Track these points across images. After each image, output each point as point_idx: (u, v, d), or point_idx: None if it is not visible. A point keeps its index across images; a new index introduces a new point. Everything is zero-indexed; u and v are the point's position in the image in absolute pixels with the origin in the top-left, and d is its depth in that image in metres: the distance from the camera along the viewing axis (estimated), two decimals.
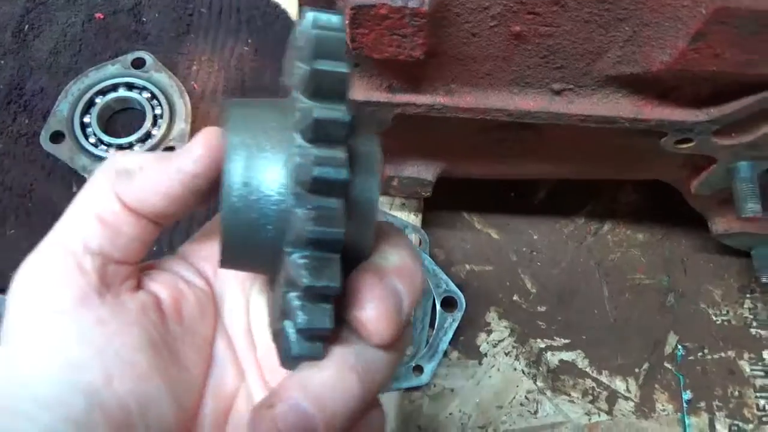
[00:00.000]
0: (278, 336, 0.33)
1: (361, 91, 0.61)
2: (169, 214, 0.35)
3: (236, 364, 0.39)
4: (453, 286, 0.83)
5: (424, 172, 0.76)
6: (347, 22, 0.51)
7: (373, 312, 0.32)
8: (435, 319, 0.83)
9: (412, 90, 0.61)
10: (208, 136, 0.35)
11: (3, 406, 0.31)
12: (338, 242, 0.29)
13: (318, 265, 0.29)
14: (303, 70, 0.29)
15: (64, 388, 0.31)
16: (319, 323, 0.30)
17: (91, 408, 0.31)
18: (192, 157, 0.34)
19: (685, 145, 0.65)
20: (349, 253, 0.31)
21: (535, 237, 0.97)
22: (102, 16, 1.02)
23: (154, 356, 0.34)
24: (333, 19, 0.29)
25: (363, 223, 0.33)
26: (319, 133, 0.29)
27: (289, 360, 0.32)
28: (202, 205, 0.37)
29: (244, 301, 0.40)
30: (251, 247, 0.32)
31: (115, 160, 0.36)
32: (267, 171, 0.31)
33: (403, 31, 0.51)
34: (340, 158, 0.29)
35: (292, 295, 0.30)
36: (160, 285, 0.37)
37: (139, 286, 0.37)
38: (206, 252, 0.41)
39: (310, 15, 0.29)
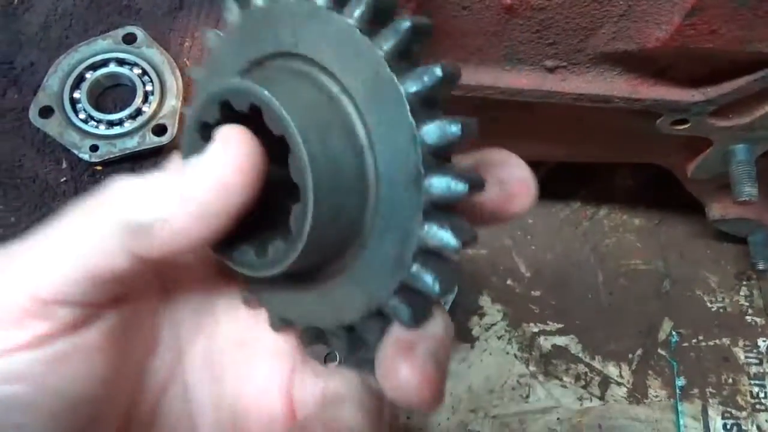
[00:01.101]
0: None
1: None
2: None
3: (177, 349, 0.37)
4: None
5: None
6: None
7: None
8: None
9: None
10: (235, 139, 0.29)
11: None
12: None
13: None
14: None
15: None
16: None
17: None
18: (233, 168, 0.28)
19: (681, 126, 0.63)
20: None
21: (530, 221, 0.96)
22: None
23: (106, 386, 0.32)
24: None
25: None
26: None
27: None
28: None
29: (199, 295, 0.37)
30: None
31: (123, 209, 0.29)
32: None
33: None
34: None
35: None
36: (115, 306, 0.33)
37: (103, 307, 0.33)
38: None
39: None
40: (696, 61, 0.56)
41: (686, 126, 0.63)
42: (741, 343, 0.91)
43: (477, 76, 0.59)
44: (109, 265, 0.30)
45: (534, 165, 1.02)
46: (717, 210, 0.84)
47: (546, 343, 0.90)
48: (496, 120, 0.69)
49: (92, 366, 0.31)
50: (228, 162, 0.28)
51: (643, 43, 0.53)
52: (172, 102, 0.92)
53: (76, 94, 0.92)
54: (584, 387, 0.88)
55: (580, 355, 0.89)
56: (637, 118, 0.65)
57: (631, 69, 0.59)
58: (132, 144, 0.89)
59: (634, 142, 0.74)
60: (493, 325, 0.90)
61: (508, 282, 0.93)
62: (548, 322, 0.91)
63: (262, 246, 0.31)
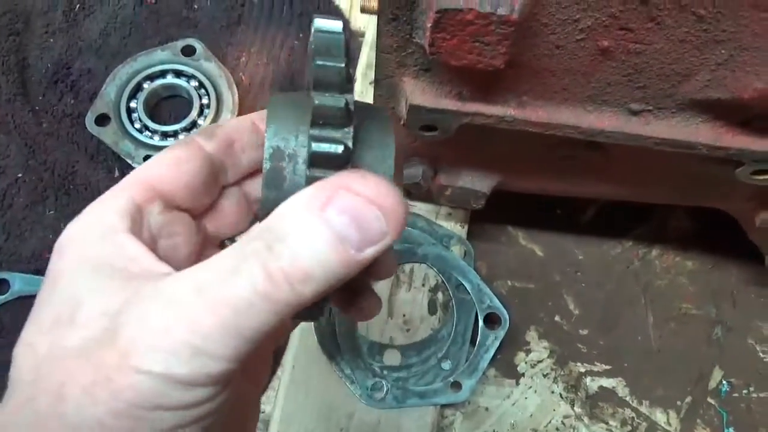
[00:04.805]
0: None
1: (428, 98, 0.58)
2: None
3: None
4: (497, 303, 0.80)
5: (480, 183, 0.73)
6: (429, 25, 0.48)
7: None
8: (476, 334, 0.81)
9: (483, 100, 0.58)
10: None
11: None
12: None
13: None
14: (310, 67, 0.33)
15: None
16: None
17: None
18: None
19: (761, 177, 0.62)
20: None
21: (581, 257, 0.94)
22: (153, 1, 1.00)
23: None
24: (333, 24, 0.34)
25: None
26: (319, 117, 0.32)
27: None
28: None
29: None
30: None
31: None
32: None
33: (487, 38, 0.49)
34: (338, 137, 0.32)
35: None
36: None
37: None
38: None
39: (315, 21, 0.33)
40: None
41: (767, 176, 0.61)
42: None
43: (559, 116, 0.58)
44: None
45: (586, 200, 1.01)
46: None
47: (593, 384, 0.88)
48: (568, 159, 0.68)
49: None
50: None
51: (739, 93, 0.52)
52: (227, 116, 0.92)
53: (133, 104, 0.91)
54: None
55: (627, 398, 0.87)
56: (714, 164, 0.64)
57: (718, 116, 0.57)
58: None
59: (704, 188, 0.72)
60: (539, 362, 0.88)
61: (556, 318, 0.91)
62: (596, 362, 0.89)
63: None
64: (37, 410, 0.29)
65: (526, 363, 0.88)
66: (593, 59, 0.52)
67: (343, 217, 0.29)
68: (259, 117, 0.40)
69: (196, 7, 1.01)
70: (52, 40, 0.97)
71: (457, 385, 0.78)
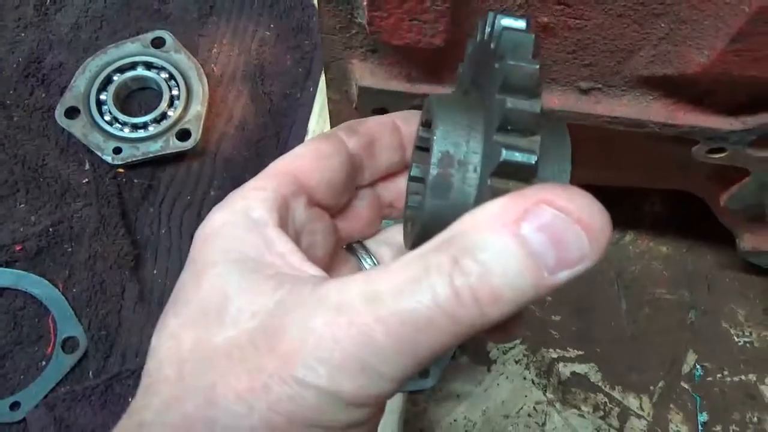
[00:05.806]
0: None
1: (378, 80, 0.58)
2: None
3: None
4: None
5: None
6: (365, 3, 0.48)
7: None
8: None
9: (431, 80, 0.58)
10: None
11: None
12: None
13: None
14: (495, 67, 0.31)
15: None
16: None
17: None
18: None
19: (717, 155, 0.61)
20: None
21: None
22: None
23: None
24: (518, 22, 0.32)
25: None
26: (508, 123, 0.30)
27: None
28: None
29: None
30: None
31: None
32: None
33: (424, 16, 0.48)
34: (527, 146, 0.29)
35: None
36: None
37: None
38: None
39: (499, 19, 0.32)
40: (737, 88, 0.54)
41: (723, 155, 0.61)
42: None
43: None
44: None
45: None
46: (749, 242, 0.81)
47: (565, 370, 0.88)
48: None
49: None
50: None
51: (683, 69, 0.51)
52: (197, 107, 0.92)
53: (103, 96, 0.92)
54: (602, 418, 0.85)
55: (599, 384, 0.87)
56: (671, 144, 0.63)
57: (669, 94, 0.57)
58: (155, 148, 0.89)
59: (666, 169, 0.72)
60: (511, 348, 0.88)
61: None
62: (568, 348, 0.89)
63: None
64: (185, 412, 0.27)
65: (498, 349, 0.88)
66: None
67: (541, 234, 0.26)
68: (401, 117, 0.38)
69: None
70: (23, 34, 0.97)
71: (423, 372, 0.78)
